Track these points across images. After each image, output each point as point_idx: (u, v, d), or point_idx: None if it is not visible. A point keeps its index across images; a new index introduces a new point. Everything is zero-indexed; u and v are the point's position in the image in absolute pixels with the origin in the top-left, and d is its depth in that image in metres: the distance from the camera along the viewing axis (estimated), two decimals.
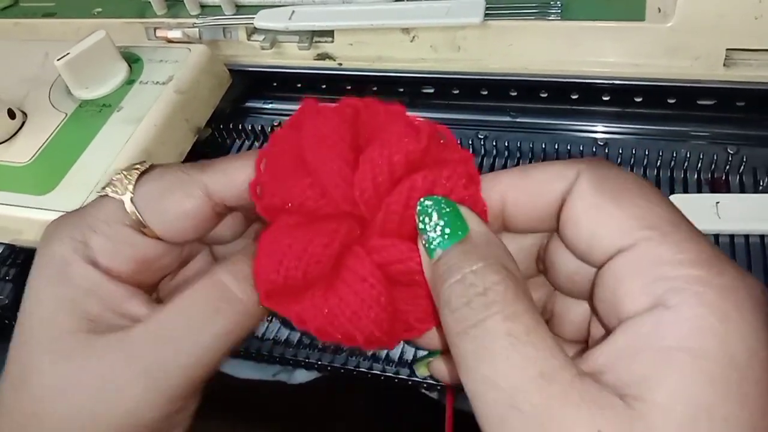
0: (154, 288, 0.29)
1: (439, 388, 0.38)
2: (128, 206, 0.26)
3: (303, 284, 0.23)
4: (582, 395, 0.18)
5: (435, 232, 0.21)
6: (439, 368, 0.27)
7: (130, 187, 0.26)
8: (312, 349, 0.40)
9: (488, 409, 0.18)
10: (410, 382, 0.38)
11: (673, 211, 0.20)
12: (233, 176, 0.26)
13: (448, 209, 0.22)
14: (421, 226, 0.22)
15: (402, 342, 0.39)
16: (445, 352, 0.26)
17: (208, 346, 0.24)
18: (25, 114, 0.46)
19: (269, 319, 0.42)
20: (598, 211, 0.21)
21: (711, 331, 0.18)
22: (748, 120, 0.43)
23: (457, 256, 0.21)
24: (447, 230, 0.21)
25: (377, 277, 0.22)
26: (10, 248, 0.43)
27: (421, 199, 0.22)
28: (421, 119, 0.23)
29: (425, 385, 0.38)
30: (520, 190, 0.23)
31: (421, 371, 0.27)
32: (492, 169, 0.45)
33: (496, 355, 0.18)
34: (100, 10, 0.55)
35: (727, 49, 0.42)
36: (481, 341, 0.19)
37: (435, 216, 0.22)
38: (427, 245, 0.22)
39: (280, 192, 0.24)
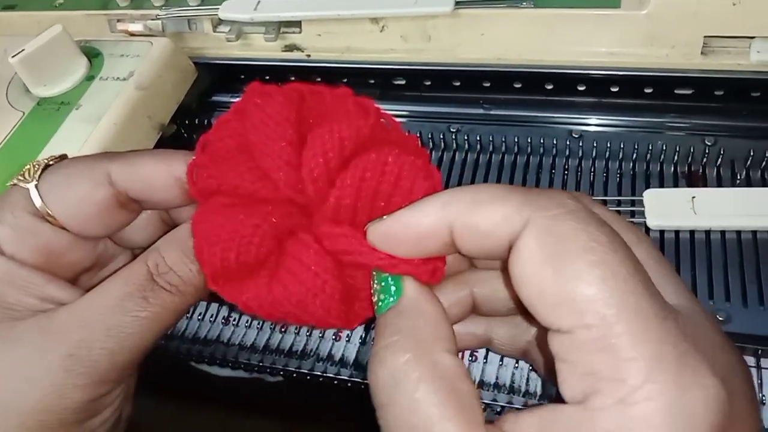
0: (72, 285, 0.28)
1: None
2: (33, 194, 0.25)
3: (239, 268, 0.22)
4: None
5: (376, 297, 0.22)
6: None
7: (36, 175, 0.26)
8: (278, 355, 0.39)
9: None
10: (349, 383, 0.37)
11: (631, 275, 0.18)
12: (138, 166, 0.26)
13: (389, 279, 0.22)
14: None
15: (344, 344, 0.38)
16: None
17: (133, 331, 0.24)
18: None
19: (235, 323, 0.41)
20: (541, 281, 0.18)
21: None
22: (727, 110, 0.41)
23: (379, 326, 0.21)
24: (382, 296, 0.22)
25: (322, 265, 0.22)
26: None
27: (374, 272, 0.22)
28: (367, 100, 0.23)
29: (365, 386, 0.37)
30: (466, 227, 0.20)
31: None
32: (464, 165, 0.43)
33: None
34: (62, 2, 0.53)
35: (705, 37, 0.40)
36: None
37: (377, 285, 0.22)
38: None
39: (216, 174, 0.23)
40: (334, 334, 0.39)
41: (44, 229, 0.25)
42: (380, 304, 0.22)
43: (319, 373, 0.38)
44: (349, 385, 0.37)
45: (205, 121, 0.49)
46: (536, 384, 0.35)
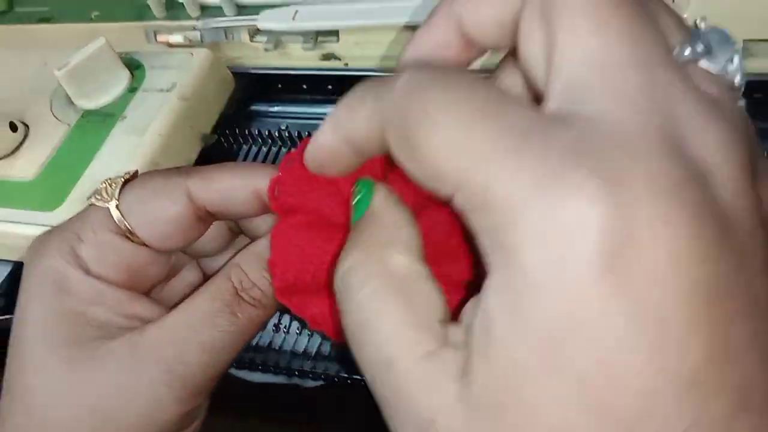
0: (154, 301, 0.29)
1: None
2: (114, 213, 0.26)
3: (312, 287, 0.23)
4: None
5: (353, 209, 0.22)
6: None
7: (116, 194, 0.27)
8: (331, 361, 0.40)
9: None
10: None
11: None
12: (217, 181, 0.27)
13: (364, 189, 0.21)
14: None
15: None
16: None
17: (225, 345, 0.25)
18: (27, 126, 0.45)
19: (286, 330, 0.42)
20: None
21: None
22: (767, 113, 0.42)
23: (349, 241, 0.21)
24: (356, 207, 0.22)
25: None
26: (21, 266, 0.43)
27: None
28: None
29: None
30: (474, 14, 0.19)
31: None
32: None
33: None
34: (97, 13, 0.54)
35: (745, 41, 0.41)
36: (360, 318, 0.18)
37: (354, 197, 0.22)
38: None
39: (297, 193, 0.24)
40: None
41: (126, 247, 0.26)
42: (353, 214, 0.22)
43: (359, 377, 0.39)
44: None
45: (246, 130, 0.50)
46: None
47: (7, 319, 0.41)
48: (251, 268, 0.26)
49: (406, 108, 0.17)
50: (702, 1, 0.40)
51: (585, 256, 0.13)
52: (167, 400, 0.24)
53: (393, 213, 0.21)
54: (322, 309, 0.23)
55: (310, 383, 0.56)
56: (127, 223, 0.26)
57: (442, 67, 0.18)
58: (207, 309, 0.25)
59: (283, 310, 0.40)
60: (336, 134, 0.20)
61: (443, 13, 0.20)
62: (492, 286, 0.15)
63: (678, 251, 0.13)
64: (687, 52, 0.16)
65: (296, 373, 0.42)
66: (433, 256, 0.22)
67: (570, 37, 0.16)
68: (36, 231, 0.39)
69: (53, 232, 0.27)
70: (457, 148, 0.15)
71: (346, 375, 0.40)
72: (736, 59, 0.17)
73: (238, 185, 0.26)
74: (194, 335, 0.25)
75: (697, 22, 0.17)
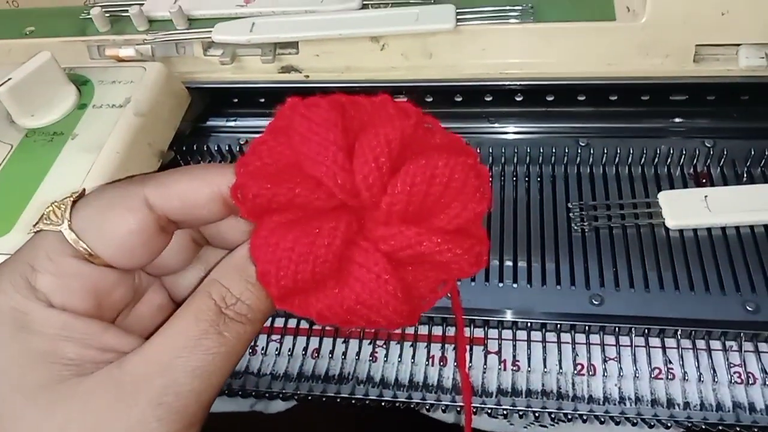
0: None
1: (427, 406, 0.37)
2: (68, 235, 0.23)
3: (313, 284, 0.23)
4: None
5: None
6: None
7: (67, 215, 0.24)
8: (288, 380, 0.39)
9: None
10: (397, 404, 0.37)
11: None
12: (175, 186, 0.24)
13: None
14: None
15: (382, 364, 0.39)
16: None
17: (216, 368, 0.23)
18: None
19: (251, 352, 0.40)
20: None
21: None
22: (720, 113, 0.44)
23: None
24: None
25: (389, 271, 0.22)
26: None
27: None
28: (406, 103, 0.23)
29: (415, 405, 0.37)
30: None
31: None
32: None
33: None
34: (32, 29, 0.50)
35: (697, 45, 0.42)
36: None
37: None
38: None
39: (264, 192, 0.23)
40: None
41: (88, 271, 0.24)
42: None
43: (332, 394, 0.38)
44: (367, 402, 0.38)
45: (204, 146, 0.47)
46: (583, 387, 0.36)
47: None
48: (233, 281, 0.24)
49: None
50: (655, 12, 0.42)
51: None
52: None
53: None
54: (328, 301, 0.22)
55: (274, 409, 0.54)
56: (84, 244, 0.23)
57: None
58: (192, 332, 0.23)
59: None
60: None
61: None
62: None
63: None
64: None
65: (280, 396, 0.40)
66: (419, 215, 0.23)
67: None
68: None
69: (2, 266, 0.24)
70: None
71: (321, 394, 0.39)
72: None
73: (199, 187, 0.24)
74: (181, 362, 0.22)
75: None
